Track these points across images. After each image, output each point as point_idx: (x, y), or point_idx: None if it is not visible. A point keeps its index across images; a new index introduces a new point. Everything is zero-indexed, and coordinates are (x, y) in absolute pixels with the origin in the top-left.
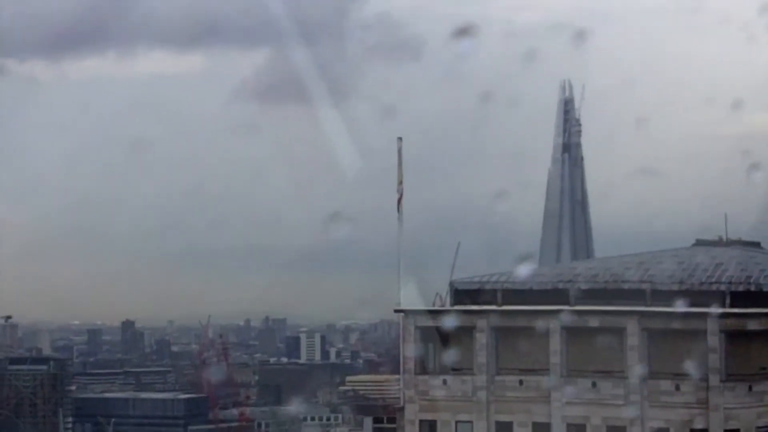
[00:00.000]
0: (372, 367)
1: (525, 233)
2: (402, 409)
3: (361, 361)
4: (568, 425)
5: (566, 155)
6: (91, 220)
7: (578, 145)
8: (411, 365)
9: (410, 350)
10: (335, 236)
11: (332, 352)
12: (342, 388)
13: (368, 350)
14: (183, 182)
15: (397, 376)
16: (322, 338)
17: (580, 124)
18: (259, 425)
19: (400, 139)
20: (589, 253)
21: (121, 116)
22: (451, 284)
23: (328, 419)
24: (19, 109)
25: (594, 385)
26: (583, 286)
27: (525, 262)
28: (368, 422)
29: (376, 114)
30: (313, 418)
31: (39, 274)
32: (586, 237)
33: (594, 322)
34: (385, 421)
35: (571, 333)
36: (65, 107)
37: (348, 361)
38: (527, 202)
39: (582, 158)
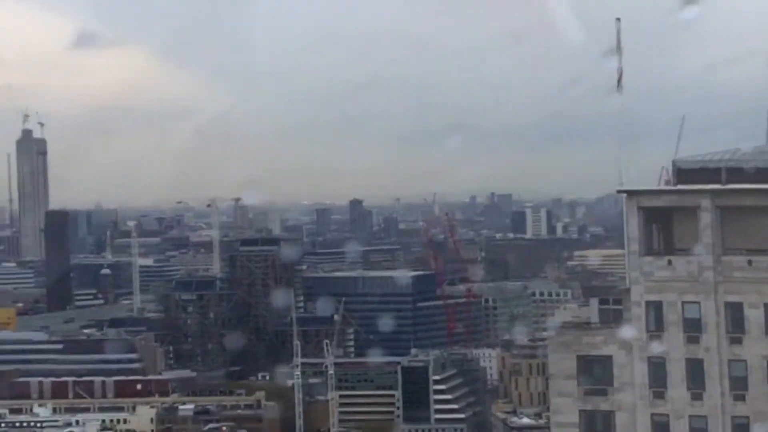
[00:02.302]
0: (599, 241)
1: (754, 107)
2: (627, 290)
3: (587, 235)
4: None
5: None
6: (322, 104)
7: None
8: (635, 246)
9: (634, 231)
10: (561, 111)
11: (558, 226)
12: (570, 263)
13: (595, 224)
14: (409, 64)
15: (624, 251)
16: (548, 213)
17: None
18: (486, 301)
19: (618, 20)
20: None
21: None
22: (674, 163)
23: (557, 294)
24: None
25: None
26: None
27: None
28: (594, 303)
29: None
30: (541, 294)
31: (270, 155)
32: None
33: None
34: (611, 302)
35: None
36: None
37: (575, 235)
38: (754, 73)
39: None
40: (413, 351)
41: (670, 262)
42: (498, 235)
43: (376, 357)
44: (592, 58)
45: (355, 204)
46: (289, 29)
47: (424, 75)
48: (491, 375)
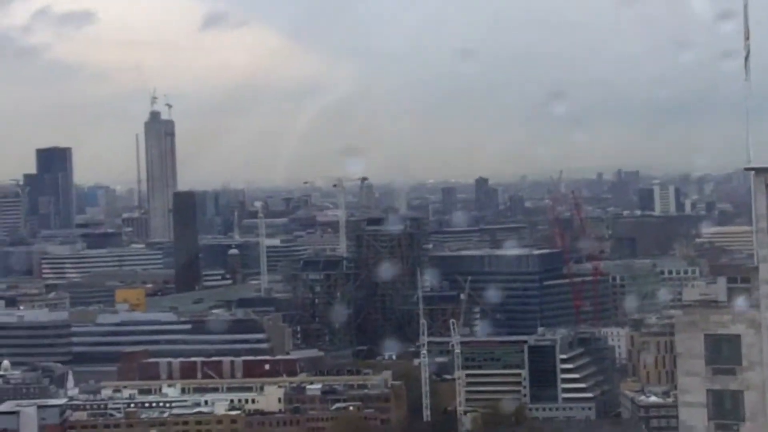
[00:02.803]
0: (728, 218)
1: None
2: (756, 269)
3: (716, 212)
4: None
5: None
6: (448, 82)
7: None
8: (763, 224)
9: (762, 209)
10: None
11: (687, 203)
12: (698, 240)
13: (724, 201)
14: (535, 39)
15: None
16: (676, 190)
17: None
18: (614, 279)
19: None
20: None
21: None
22: None
23: (685, 272)
24: None
25: None
26: None
27: None
28: (722, 281)
29: None
30: (669, 272)
31: (396, 134)
32: None
33: None
34: (739, 281)
35: None
36: None
37: (703, 212)
38: None
39: None
40: (540, 330)
41: None
42: (625, 213)
43: (502, 336)
44: (722, 33)
45: (481, 182)
46: (415, 7)
47: (552, 50)
48: (619, 354)
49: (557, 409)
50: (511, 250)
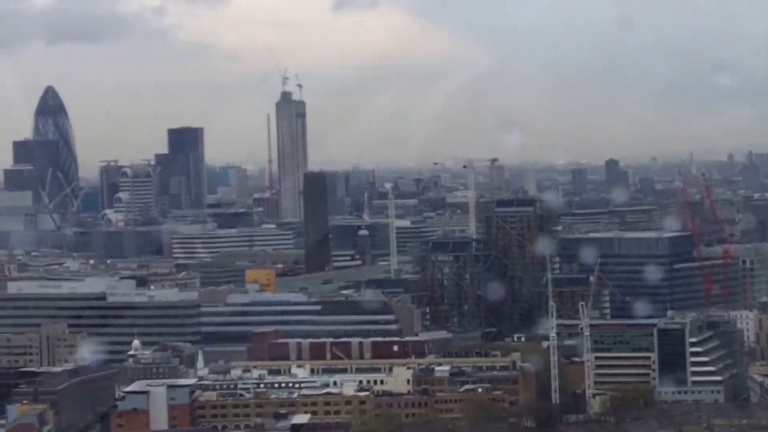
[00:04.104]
0: None
1: None
2: None
3: None
4: None
5: None
6: (578, 62)
7: None
8: None
9: None
10: None
11: None
12: None
13: None
14: (666, 18)
15: None
16: None
17: None
18: (743, 262)
19: None
20: None
21: None
22: None
23: None
24: None
25: None
26: None
27: None
28: None
29: None
30: None
31: (526, 115)
32: None
33: None
34: None
35: None
36: None
37: None
38: None
39: None
40: (669, 313)
41: None
42: (756, 195)
43: (631, 319)
44: None
45: (611, 164)
46: None
47: (684, 29)
48: (748, 337)
49: (686, 392)
50: (641, 232)
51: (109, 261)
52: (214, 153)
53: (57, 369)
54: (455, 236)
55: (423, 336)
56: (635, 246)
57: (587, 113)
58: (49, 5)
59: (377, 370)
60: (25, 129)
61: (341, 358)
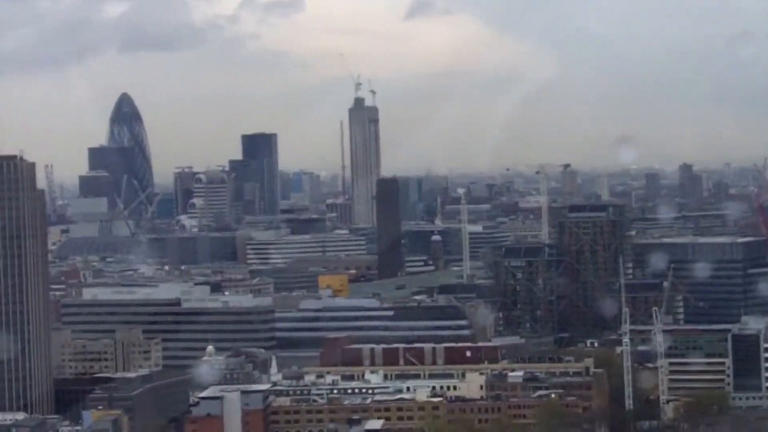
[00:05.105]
0: None
1: None
2: None
3: None
4: None
5: None
6: (650, 67)
7: None
8: None
9: None
10: None
11: None
12: None
13: None
14: (733, 22)
15: None
16: None
17: None
18: None
19: None
20: None
21: None
22: None
23: None
24: None
25: None
26: None
27: None
28: None
29: None
30: None
31: (597, 120)
32: None
33: None
34: None
35: None
36: None
37: None
38: None
39: None
40: (744, 319)
41: None
42: None
43: (705, 324)
44: None
45: (685, 169)
46: None
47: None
48: None
49: (761, 398)
50: (715, 237)
51: (183, 267)
52: (288, 159)
53: (131, 375)
54: (528, 241)
55: (496, 341)
56: (709, 251)
57: (661, 120)
58: (124, 14)
59: (450, 375)
60: (100, 136)
61: (414, 364)
